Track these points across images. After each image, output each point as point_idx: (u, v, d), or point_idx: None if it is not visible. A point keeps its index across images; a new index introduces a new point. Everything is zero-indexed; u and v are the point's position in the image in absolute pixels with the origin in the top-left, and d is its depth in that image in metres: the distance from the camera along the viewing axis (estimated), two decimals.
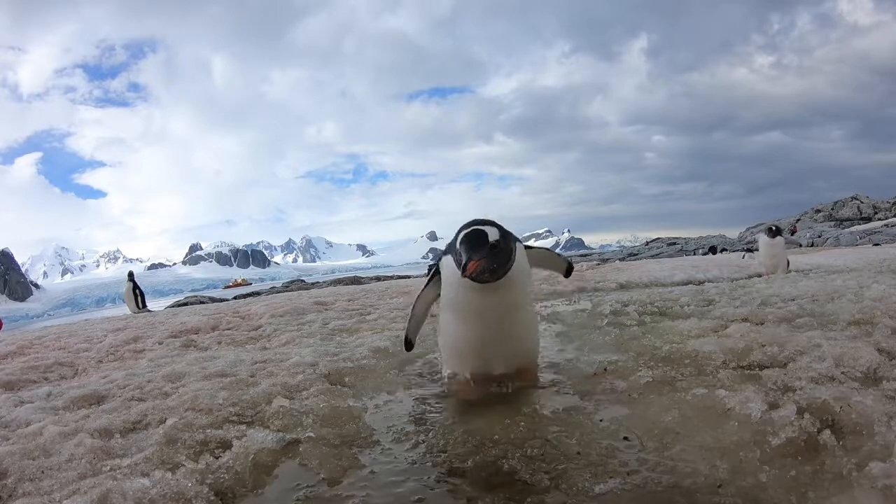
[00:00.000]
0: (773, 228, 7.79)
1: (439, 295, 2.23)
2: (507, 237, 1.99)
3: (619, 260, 19.73)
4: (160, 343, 4.28)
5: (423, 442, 1.77)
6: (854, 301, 3.03)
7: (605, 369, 2.31)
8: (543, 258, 2.45)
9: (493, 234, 1.91)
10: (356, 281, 17.80)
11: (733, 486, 1.29)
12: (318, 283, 21.68)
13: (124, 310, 12.85)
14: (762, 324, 2.79)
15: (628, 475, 1.40)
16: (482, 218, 2.04)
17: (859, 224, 28.15)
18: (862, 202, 32.69)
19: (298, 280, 26.39)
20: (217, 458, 1.62)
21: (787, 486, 1.24)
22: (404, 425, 1.95)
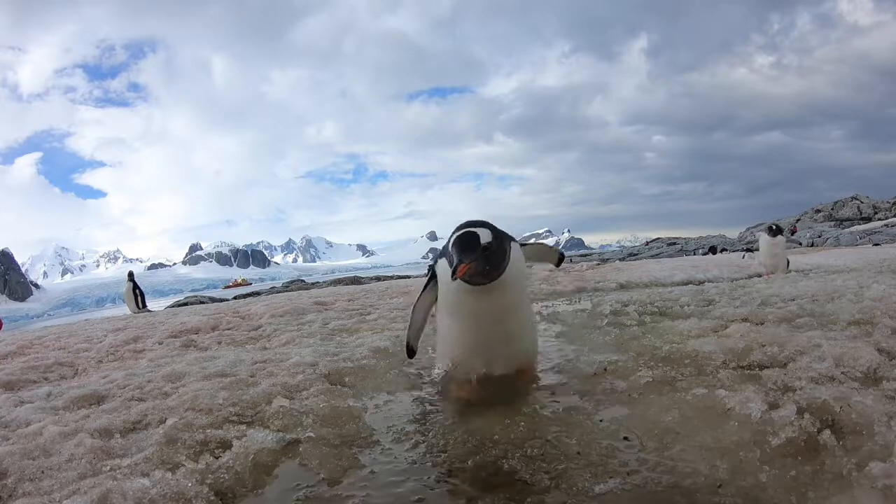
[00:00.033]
0: (774, 228, 7.78)
1: (437, 298, 2.23)
2: (500, 238, 1.98)
3: (619, 260, 19.73)
4: (160, 343, 4.28)
5: (423, 442, 1.77)
6: (854, 301, 3.03)
7: (606, 369, 2.30)
8: (536, 252, 2.49)
9: (485, 236, 1.90)
10: (356, 281, 17.79)
11: (733, 486, 1.29)
12: (318, 283, 21.67)
13: (124, 310, 12.85)
14: (762, 324, 2.79)
15: (628, 475, 1.40)
16: (476, 219, 2.03)
17: (859, 224, 28.14)
18: (862, 202, 32.68)
19: (298, 280, 26.39)
20: (217, 458, 1.62)
21: (787, 486, 1.24)
22: (404, 425, 1.95)
